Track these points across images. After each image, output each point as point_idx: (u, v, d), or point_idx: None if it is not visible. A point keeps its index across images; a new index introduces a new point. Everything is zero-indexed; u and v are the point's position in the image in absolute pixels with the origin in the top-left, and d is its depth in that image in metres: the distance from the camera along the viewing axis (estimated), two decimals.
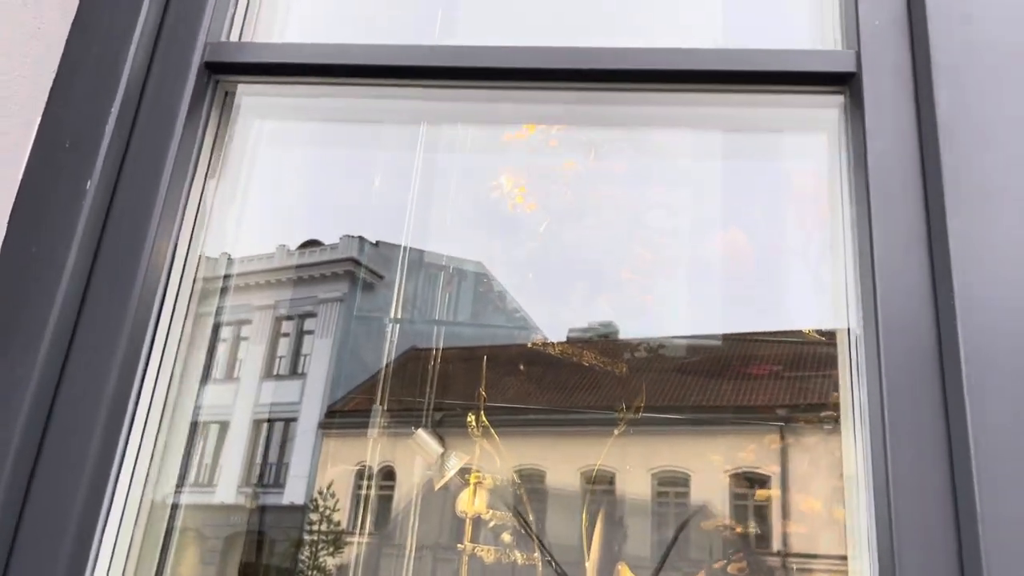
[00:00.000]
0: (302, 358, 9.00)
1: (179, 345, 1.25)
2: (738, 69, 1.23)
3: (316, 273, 8.98)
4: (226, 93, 1.31)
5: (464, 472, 2.19)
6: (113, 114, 1.19)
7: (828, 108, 1.25)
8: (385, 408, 2.44)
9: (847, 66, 1.18)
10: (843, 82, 1.19)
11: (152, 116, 1.22)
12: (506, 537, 2.09)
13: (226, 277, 1.47)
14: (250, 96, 1.35)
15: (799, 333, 2.68)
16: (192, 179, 1.26)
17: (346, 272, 8.48)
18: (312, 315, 9.35)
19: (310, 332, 9.48)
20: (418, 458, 2.38)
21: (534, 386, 3.23)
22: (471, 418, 2.18)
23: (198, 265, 1.28)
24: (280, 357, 8.94)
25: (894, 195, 1.08)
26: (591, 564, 2.17)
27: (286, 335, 9.40)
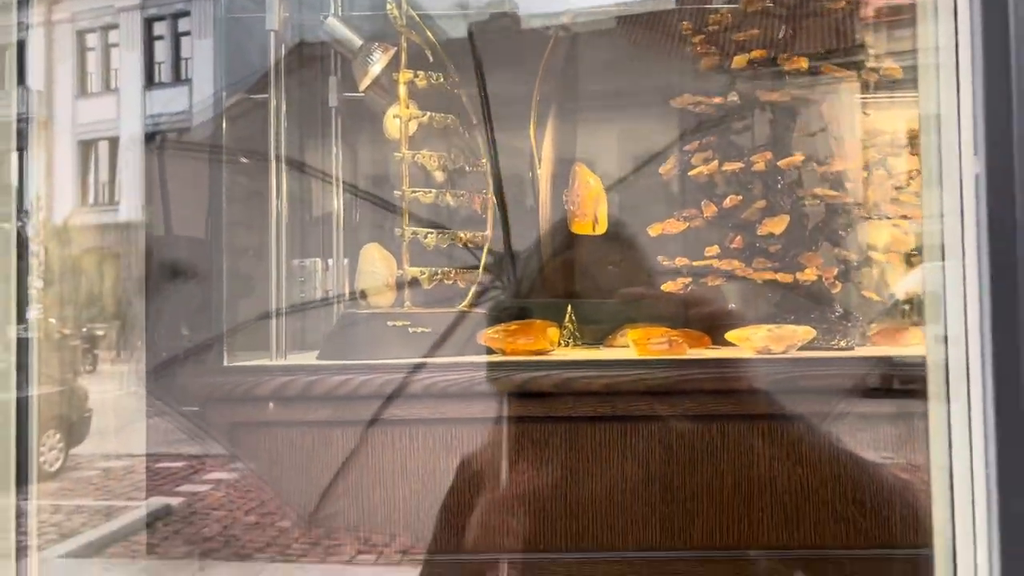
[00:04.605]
0: (183, 62, 8.35)
1: None
2: None
3: None
4: None
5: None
6: None
7: None
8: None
9: None
10: None
11: None
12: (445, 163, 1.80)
13: None
14: None
15: None
16: None
17: None
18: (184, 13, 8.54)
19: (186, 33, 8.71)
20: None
21: None
22: (390, 5, 1.79)
23: None
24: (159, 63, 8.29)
25: None
26: (543, 172, 1.94)
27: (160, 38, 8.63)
